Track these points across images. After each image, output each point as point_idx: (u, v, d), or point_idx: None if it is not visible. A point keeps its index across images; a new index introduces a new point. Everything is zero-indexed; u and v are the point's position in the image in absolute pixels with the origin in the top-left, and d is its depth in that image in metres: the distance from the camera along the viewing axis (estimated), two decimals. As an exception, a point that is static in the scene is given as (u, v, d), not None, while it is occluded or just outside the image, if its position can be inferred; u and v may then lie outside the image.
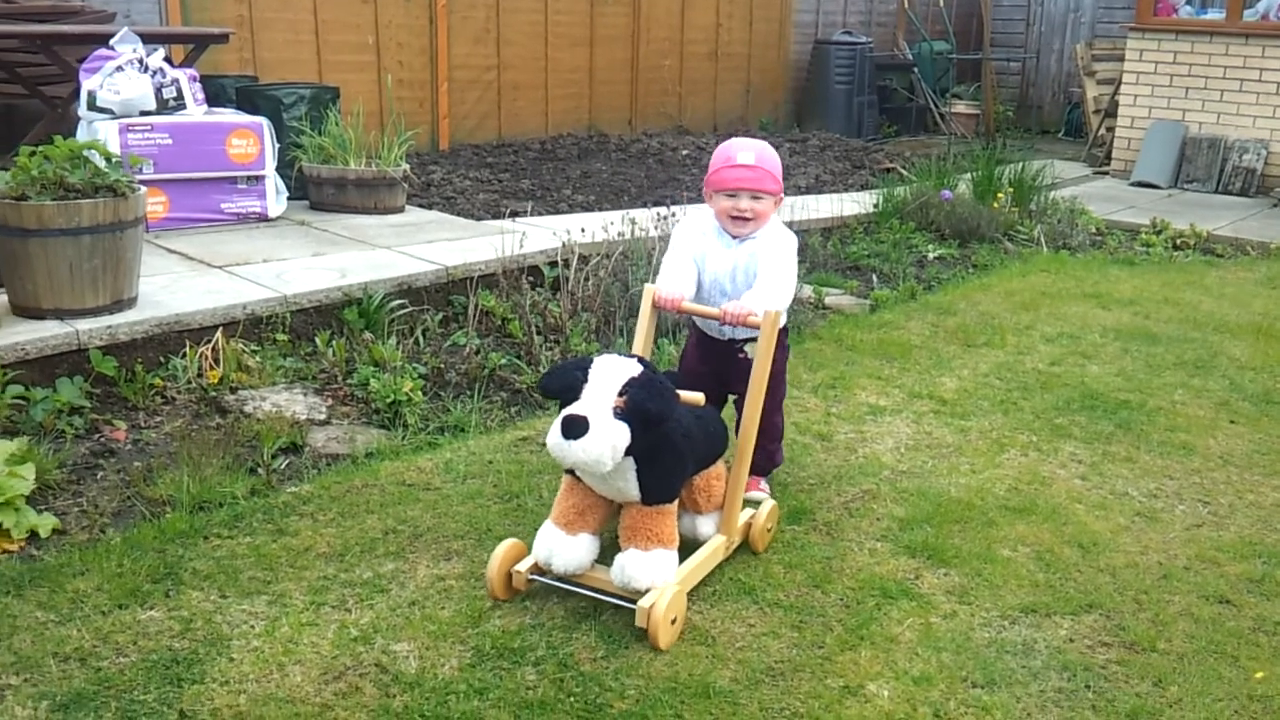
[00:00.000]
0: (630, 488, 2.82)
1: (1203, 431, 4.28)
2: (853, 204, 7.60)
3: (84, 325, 4.11)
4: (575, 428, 2.61)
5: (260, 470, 3.57)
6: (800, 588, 3.05)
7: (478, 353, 4.69)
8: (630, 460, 2.76)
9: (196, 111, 5.87)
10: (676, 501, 2.96)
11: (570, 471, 2.90)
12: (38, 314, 4.17)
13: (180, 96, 5.81)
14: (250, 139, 5.80)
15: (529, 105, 9.68)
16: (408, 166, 6.56)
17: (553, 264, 5.52)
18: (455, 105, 9.11)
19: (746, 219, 3.27)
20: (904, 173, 8.60)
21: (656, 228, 5.48)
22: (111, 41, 5.75)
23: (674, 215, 5.70)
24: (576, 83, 10.04)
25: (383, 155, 6.42)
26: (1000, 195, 7.70)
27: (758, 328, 3.11)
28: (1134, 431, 4.25)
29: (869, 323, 5.50)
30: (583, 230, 5.51)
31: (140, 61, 5.72)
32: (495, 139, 9.41)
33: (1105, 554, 3.31)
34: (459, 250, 5.53)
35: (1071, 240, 7.50)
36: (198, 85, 5.98)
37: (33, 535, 3.14)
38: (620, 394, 2.69)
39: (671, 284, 3.28)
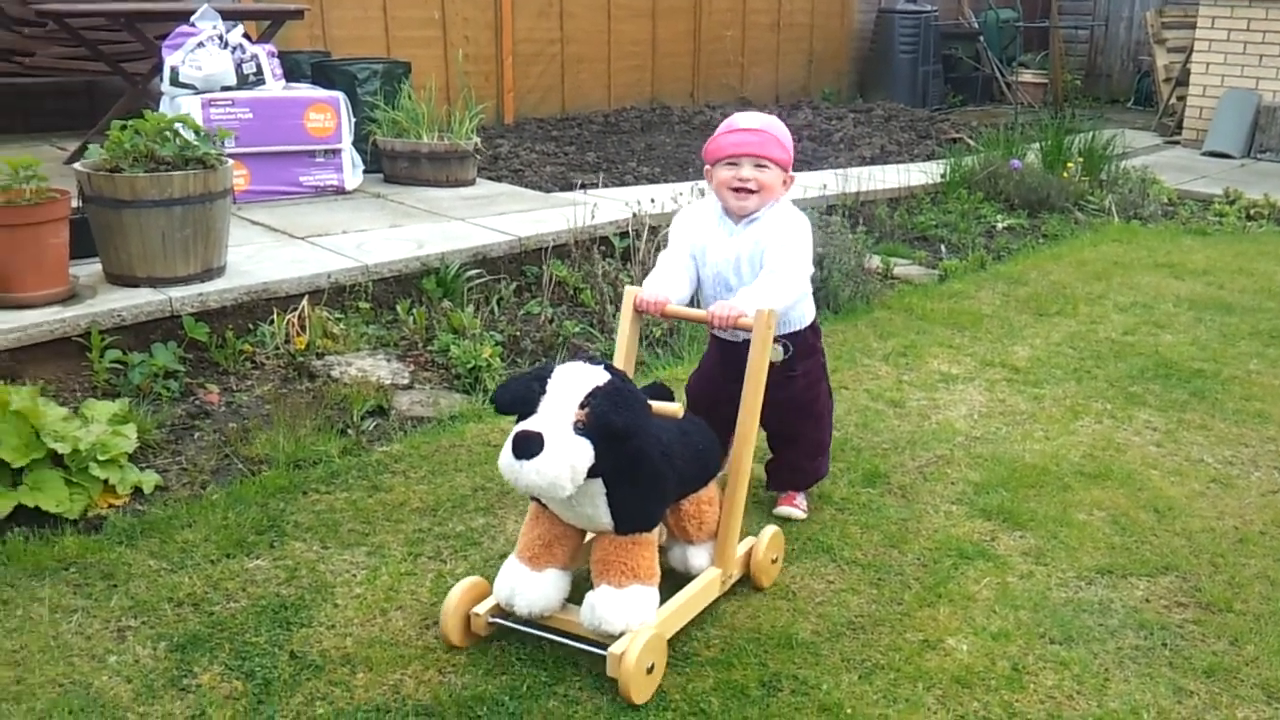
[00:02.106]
0: (600, 515, 2.49)
1: (1278, 400, 4.25)
2: (919, 174, 7.58)
3: (176, 293, 4.27)
4: (527, 446, 2.28)
5: (350, 431, 3.70)
6: (877, 547, 3.11)
7: (551, 321, 4.79)
8: (598, 483, 2.43)
9: (275, 86, 6.01)
10: (657, 531, 2.62)
11: (536, 498, 2.58)
12: (132, 282, 4.33)
13: (259, 72, 5.95)
14: (328, 113, 5.93)
15: (592, 78, 9.74)
16: (478, 140, 6.66)
17: (622, 234, 5.59)
18: (519, 79, 9.20)
19: (750, 190, 2.91)
20: (971, 142, 8.55)
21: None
22: (192, 18, 5.90)
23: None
24: (639, 55, 10.07)
25: (454, 129, 6.52)
26: (1070, 165, 7.63)
27: (749, 329, 2.75)
28: (1209, 400, 4.24)
29: (938, 292, 5.52)
30: (652, 201, 5.58)
31: (220, 38, 5.86)
32: (559, 112, 9.48)
33: (1181, 518, 3.33)
34: (530, 221, 5.62)
35: (1143, 210, 7.41)
36: (276, 61, 6.11)
37: (137, 491, 3.30)
38: (582, 406, 2.37)
39: (657, 285, 2.92)
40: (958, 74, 12.46)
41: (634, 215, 5.53)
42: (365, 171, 6.43)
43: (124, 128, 4.36)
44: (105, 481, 3.22)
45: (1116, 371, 4.52)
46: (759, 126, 2.93)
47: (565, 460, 2.30)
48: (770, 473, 3.36)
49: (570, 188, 6.74)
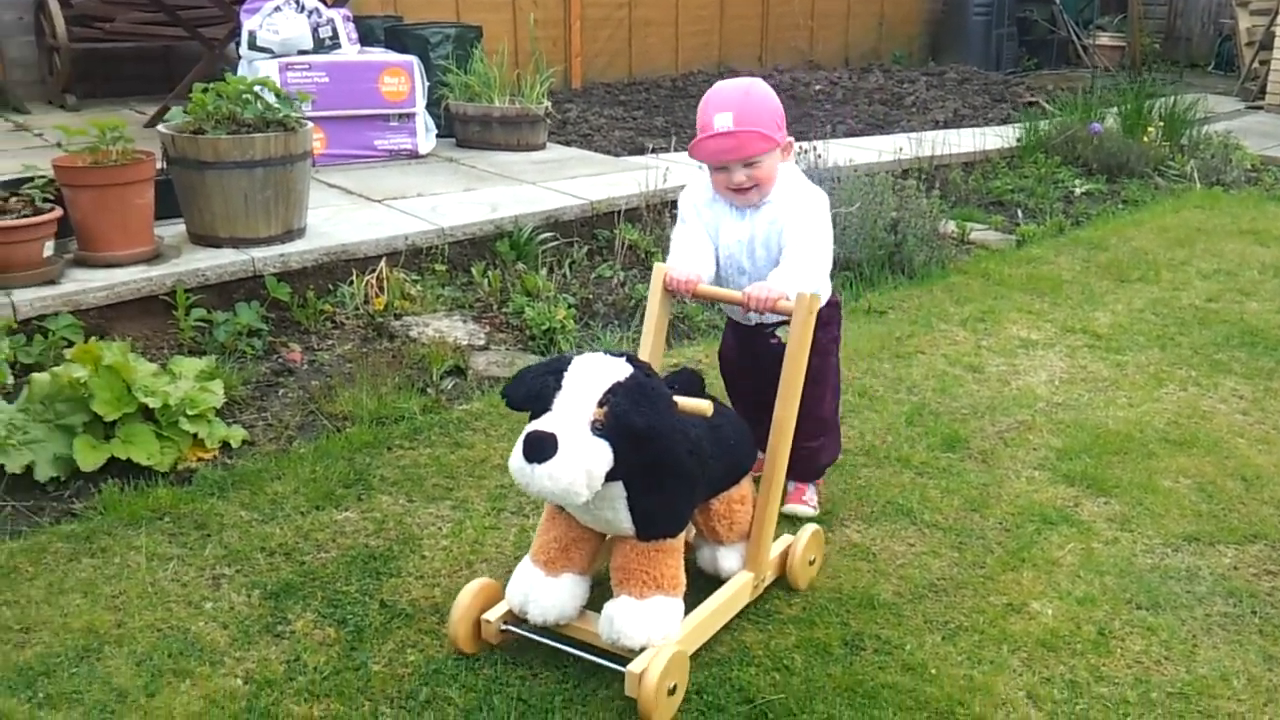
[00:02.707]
0: (621, 520, 2.29)
1: (1373, 368, 4.14)
2: (994, 138, 7.44)
3: (258, 253, 4.34)
4: (540, 448, 2.08)
5: (430, 390, 3.75)
6: (958, 511, 3.09)
7: (623, 284, 4.80)
8: (618, 486, 2.24)
9: (350, 51, 6.06)
10: (684, 535, 2.41)
11: None
12: (215, 242, 4.41)
13: (335, 36, 6.00)
14: (402, 77, 5.97)
15: (659, 43, 9.68)
16: (549, 104, 6.66)
17: (693, 198, 5.57)
18: (587, 44, 9.17)
19: (747, 189, 2.72)
20: (1047, 106, 8.38)
21: (798, 161, 5.48)
22: (269, -17, 5.96)
23: (814, 150, 5.69)
24: (706, 19, 9.99)
25: (525, 93, 6.53)
26: (1150, 129, 7.45)
27: (789, 315, 2.55)
28: (1298, 368, 4.14)
29: (1016, 257, 5.43)
30: (725, 164, 5.54)
31: (297, 2, 5.91)
32: (626, 77, 9.45)
33: (1269, 487, 3.26)
34: (601, 185, 5.62)
35: (1225, 176, 7.22)
36: (351, 25, 6.16)
37: (225, 446, 3.37)
38: (601, 404, 2.16)
39: (686, 262, 2.73)
40: (1032, 37, 12.19)
41: (706, 179, 5.49)
42: (437, 136, 6.47)
43: (206, 90, 4.43)
44: (194, 436, 3.29)
45: (1201, 339, 4.42)
46: (732, 127, 2.61)
47: (581, 464, 2.11)
48: None
49: (639, 152, 6.73)
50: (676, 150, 6.78)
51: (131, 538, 2.81)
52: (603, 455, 2.15)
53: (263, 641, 2.45)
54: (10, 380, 3.23)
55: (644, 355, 2.63)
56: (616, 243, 5.04)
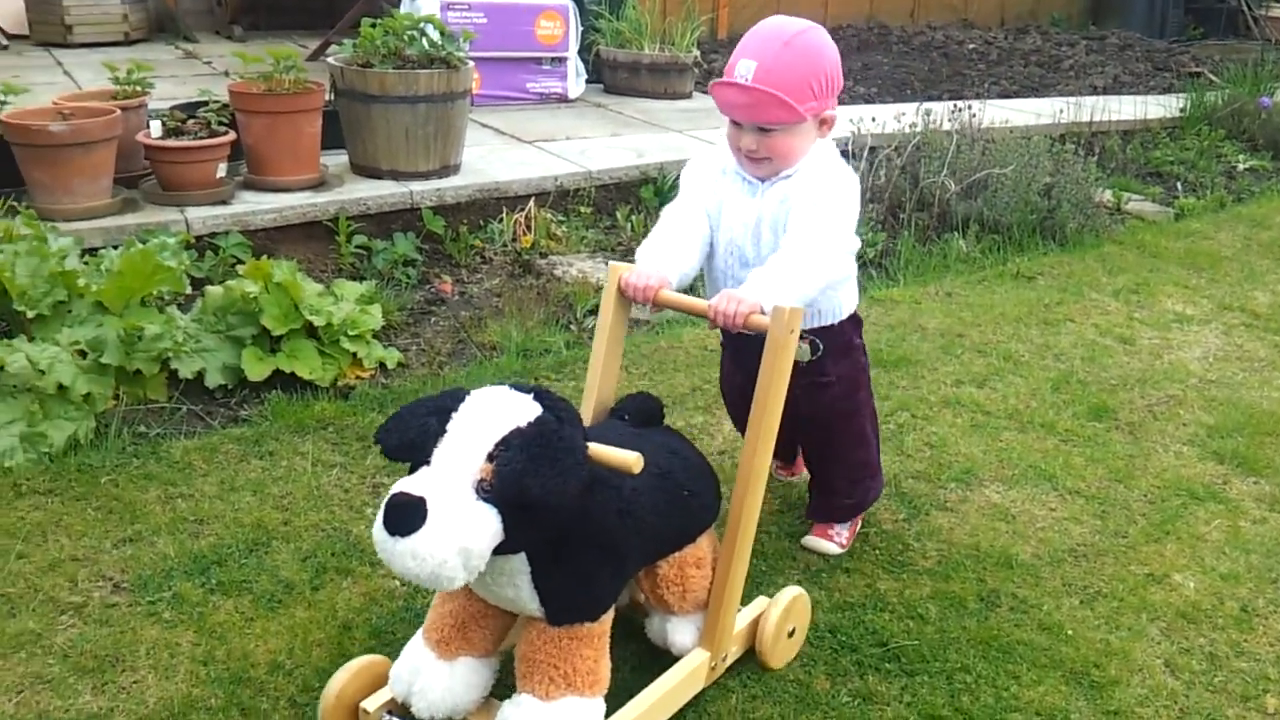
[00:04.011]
0: (524, 598, 1.84)
1: None
2: (1156, 107, 7.16)
3: (416, 186, 4.48)
4: (402, 517, 1.61)
5: (573, 327, 3.84)
6: (1102, 480, 3.04)
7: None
8: (519, 559, 1.80)
9: (507, -8, 6.16)
10: (608, 616, 1.92)
11: None
12: (375, 174, 4.57)
13: (493, -23, 6.10)
14: (557, 21, 6.05)
15: (810, -4, 9.53)
16: (698, 52, 6.66)
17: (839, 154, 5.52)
18: (736, -6, 9.09)
19: (757, 159, 2.26)
20: (1213, 78, 8.00)
21: (952, 121, 5.38)
22: (433, -77, 6.08)
23: (968, 109, 5.57)
24: (859, -28, 9.79)
25: (674, 41, 6.54)
26: (1327, 105, 7.04)
27: (762, 330, 2.03)
28: None
29: (1173, 230, 5.25)
30: (873, 120, 5.48)
31: (458, -57, 6.02)
32: (774, 30, 9.34)
33: None
34: (748, 136, 5.61)
35: None
36: (509, -33, 6.25)
37: (381, 366, 3.52)
38: (491, 457, 1.68)
39: (652, 261, 2.22)
40: (1200, 4, 11.59)
41: (853, 134, 5.44)
42: (586, 81, 6.54)
43: (375, 25, 4.58)
44: (353, 355, 3.45)
45: (1371, 324, 4.22)
46: (751, 82, 2.14)
47: (454, 539, 1.62)
48: (809, 494, 2.75)
49: (786, 105, 6.67)
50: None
51: (298, 444, 2.98)
52: (486, 526, 1.66)
53: (417, 549, 2.58)
54: (188, 291, 3.43)
55: (593, 377, 2.22)
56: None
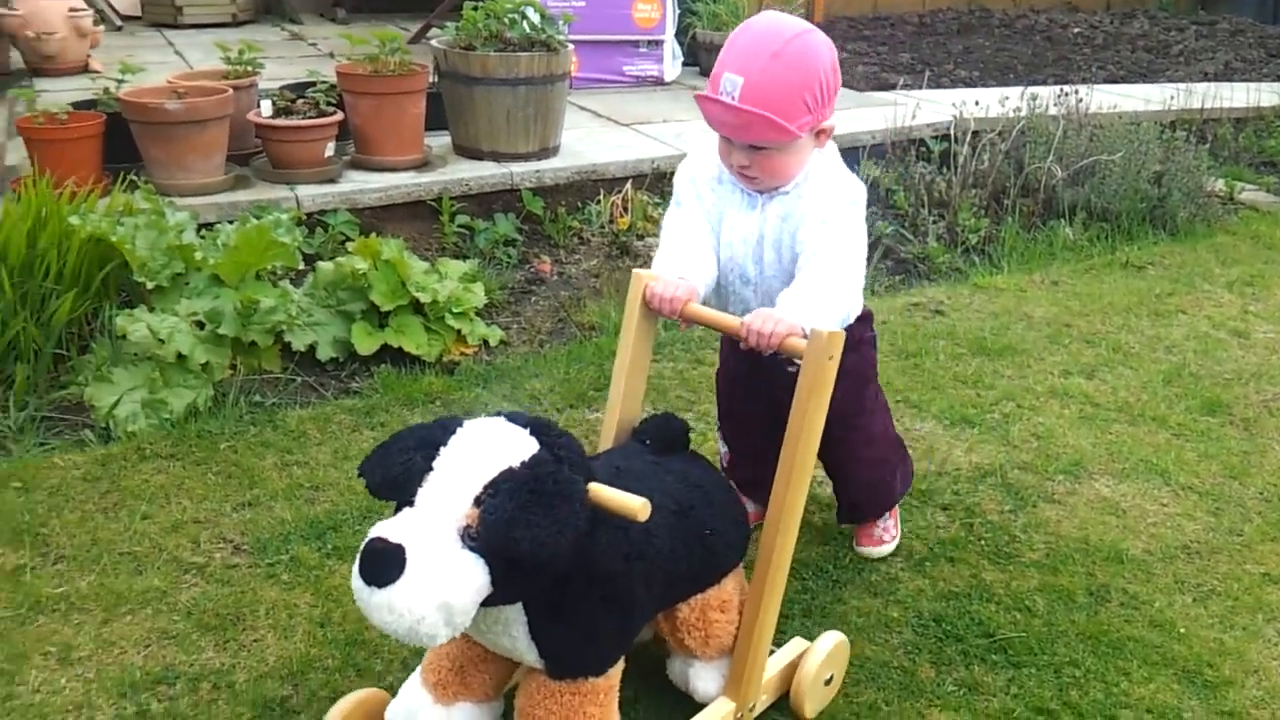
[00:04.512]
0: (521, 649, 1.71)
1: None
2: (1271, 95, 6.89)
3: (516, 168, 4.53)
4: (378, 565, 1.47)
5: (672, 309, 3.85)
6: (1215, 476, 2.96)
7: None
8: (515, 609, 1.66)
9: (606, -25, 6.17)
10: (615, 671, 1.78)
11: None
12: (477, 154, 4.63)
13: (593, -40, 6.11)
14: (654, 4, 6.04)
15: (907, -23, 9.39)
16: (796, 35, 6.60)
17: (938, 137, 5.44)
18: (833, -24, 8.99)
19: (748, 176, 2.09)
20: (1334, 63, 7.69)
21: (1058, 105, 5.26)
22: (535, -95, 6.11)
23: (1075, 94, 5.44)
24: (960, -45, 9.60)
25: (772, 23, 6.49)
26: None
27: (797, 354, 1.87)
28: None
29: (1290, 221, 5.08)
30: (976, 103, 5.38)
31: (559, -75, 6.05)
32: (870, 11, 9.23)
33: None
34: (845, 120, 5.55)
35: None
36: (608, -51, 6.26)
37: (483, 343, 3.58)
38: (479, 501, 1.54)
39: (676, 269, 2.07)
40: (1320, -13, 11.14)
41: (955, 118, 5.36)
42: (683, 64, 6.53)
43: (477, 8, 4.63)
44: (458, 332, 3.51)
45: None
46: (737, 100, 1.92)
47: (434, 593, 1.48)
48: (839, 503, 2.61)
49: (883, 87, 6.59)
50: (920, 88, 6.61)
51: (406, 416, 3.04)
52: (470, 579, 1.52)
53: (522, 523, 2.62)
54: (300, 266, 3.52)
55: (615, 396, 2.08)
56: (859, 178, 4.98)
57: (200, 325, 3.17)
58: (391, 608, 1.46)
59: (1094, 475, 2.94)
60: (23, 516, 2.55)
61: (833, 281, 1.99)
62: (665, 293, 1.99)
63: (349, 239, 3.92)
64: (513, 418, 1.65)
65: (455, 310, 3.51)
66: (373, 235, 3.67)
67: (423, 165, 4.46)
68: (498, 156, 4.58)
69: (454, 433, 1.60)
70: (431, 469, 1.56)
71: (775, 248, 2.11)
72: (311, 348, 3.34)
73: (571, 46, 4.76)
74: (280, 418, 3.01)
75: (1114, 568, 2.56)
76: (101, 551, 2.45)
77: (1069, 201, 4.81)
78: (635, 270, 2.05)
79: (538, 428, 1.63)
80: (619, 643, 1.77)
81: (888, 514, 2.57)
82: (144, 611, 2.27)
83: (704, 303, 2.10)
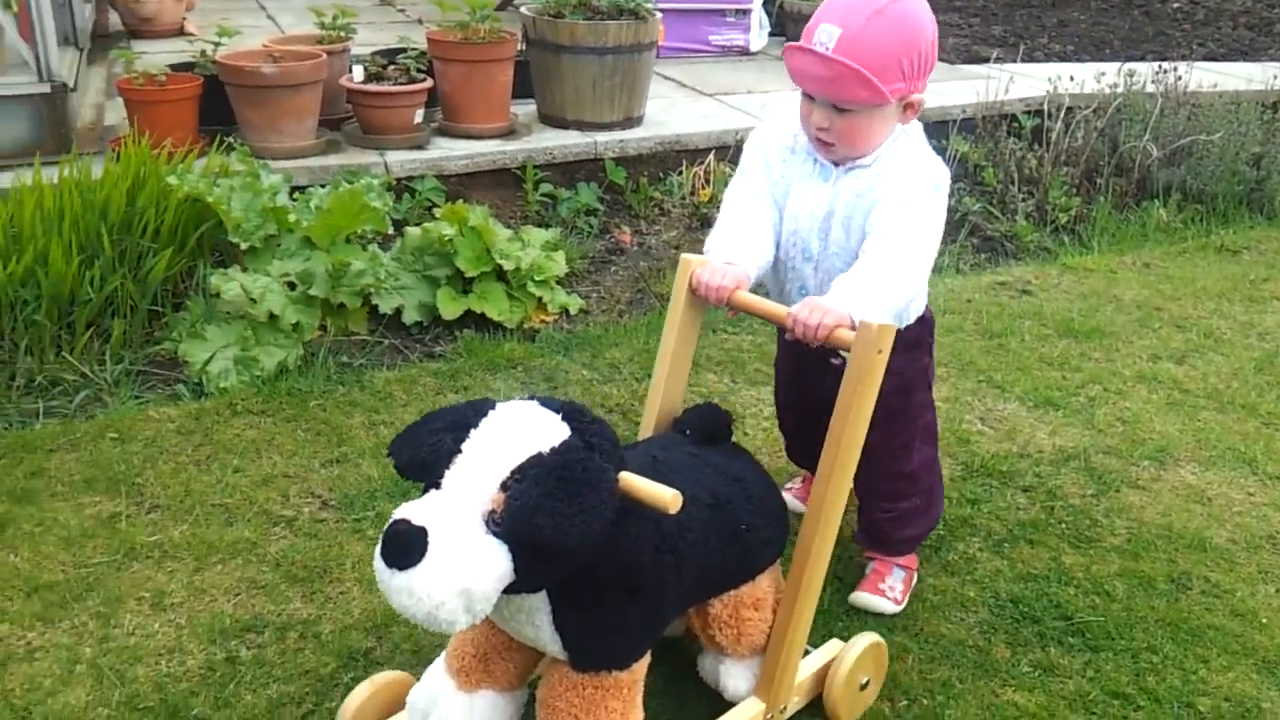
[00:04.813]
0: (544, 639, 1.66)
1: None
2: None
3: (600, 137, 4.55)
4: (399, 547, 1.44)
5: (753, 281, 3.86)
6: (1307, 467, 2.90)
7: (951, 196, 4.69)
8: (540, 597, 1.62)
9: (694, -57, 6.14)
10: (641, 665, 1.72)
11: None
12: (561, 123, 4.65)
13: (681, -72, 6.08)
14: (743, -28, 6.00)
15: (1002, -51, 9.16)
16: (885, 7, 6.50)
17: (1029, 113, 5.32)
18: (926, -53, 8.82)
19: (825, 141, 1.97)
20: None
21: (1155, 83, 5.12)
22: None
23: (1173, 71, 5.28)
24: (1057, -74, 9.34)
25: (861, -6, 6.40)
26: None
27: (846, 347, 1.78)
28: None
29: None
30: (1071, 79, 5.26)
31: (649, -107, 6.02)
32: (963, -16, 9.03)
33: None
34: (934, 93, 5.45)
35: None
36: (697, -83, 6.22)
37: (563, 312, 3.62)
38: (505, 486, 1.49)
39: (728, 251, 1.97)
40: None
41: (1049, 93, 5.24)
42: (769, 34, 6.47)
43: (565, -24, 4.63)
44: (539, 299, 3.55)
45: None
46: (832, 52, 1.84)
47: (455, 578, 1.44)
48: (860, 516, 2.42)
49: (975, 60, 6.47)
50: (1013, 61, 6.48)
51: (489, 380, 3.10)
52: (493, 565, 1.48)
53: (600, 490, 2.66)
54: (390, 231, 3.59)
55: (658, 383, 2.02)
56: (947, 153, 4.91)
57: (291, 286, 3.25)
58: (411, 591, 1.42)
59: (1180, 462, 2.88)
60: (119, 466, 2.66)
61: (894, 270, 1.88)
62: (712, 281, 1.90)
63: (435, 205, 3.98)
64: (546, 402, 1.60)
65: (537, 278, 3.55)
66: (458, 202, 3.72)
67: (508, 133, 4.49)
68: (582, 125, 4.60)
69: (485, 415, 1.56)
70: (460, 451, 1.52)
71: (844, 225, 2.00)
72: (398, 311, 3.40)
73: (659, 15, 4.75)
74: (367, 378, 3.08)
75: (1196, 555, 2.52)
76: (194, 502, 2.54)
77: (1163, 182, 4.69)
78: (683, 255, 1.95)
79: (570, 413, 1.59)
80: (645, 636, 1.72)
81: (902, 570, 2.33)
82: (234, 561, 2.36)
83: (758, 283, 2.02)
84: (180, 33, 5.96)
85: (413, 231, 3.55)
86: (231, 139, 3.96)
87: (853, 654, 1.96)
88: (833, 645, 2.03)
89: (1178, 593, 2.40)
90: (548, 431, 1.54)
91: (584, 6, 4.57)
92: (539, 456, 1.50)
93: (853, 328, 1.77)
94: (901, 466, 2.27)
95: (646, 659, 1.73)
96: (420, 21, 6.57)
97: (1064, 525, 2.60)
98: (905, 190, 1.92)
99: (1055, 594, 2.36)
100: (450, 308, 3.42)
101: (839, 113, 1.91)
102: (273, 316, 3.15)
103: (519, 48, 4.59)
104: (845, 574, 2.39)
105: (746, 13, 6.11)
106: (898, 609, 2.29)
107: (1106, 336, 3.54)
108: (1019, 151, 4.94)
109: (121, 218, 3.28)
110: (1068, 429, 3.00)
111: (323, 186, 3.67)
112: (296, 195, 3.60)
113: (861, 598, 2.30)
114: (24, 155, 3.75)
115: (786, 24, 6.52)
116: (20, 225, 3.19)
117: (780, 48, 6.45)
